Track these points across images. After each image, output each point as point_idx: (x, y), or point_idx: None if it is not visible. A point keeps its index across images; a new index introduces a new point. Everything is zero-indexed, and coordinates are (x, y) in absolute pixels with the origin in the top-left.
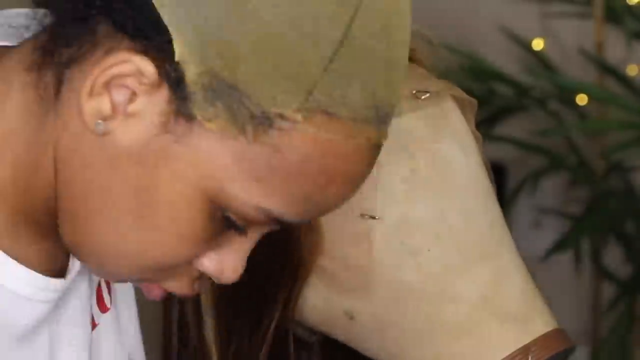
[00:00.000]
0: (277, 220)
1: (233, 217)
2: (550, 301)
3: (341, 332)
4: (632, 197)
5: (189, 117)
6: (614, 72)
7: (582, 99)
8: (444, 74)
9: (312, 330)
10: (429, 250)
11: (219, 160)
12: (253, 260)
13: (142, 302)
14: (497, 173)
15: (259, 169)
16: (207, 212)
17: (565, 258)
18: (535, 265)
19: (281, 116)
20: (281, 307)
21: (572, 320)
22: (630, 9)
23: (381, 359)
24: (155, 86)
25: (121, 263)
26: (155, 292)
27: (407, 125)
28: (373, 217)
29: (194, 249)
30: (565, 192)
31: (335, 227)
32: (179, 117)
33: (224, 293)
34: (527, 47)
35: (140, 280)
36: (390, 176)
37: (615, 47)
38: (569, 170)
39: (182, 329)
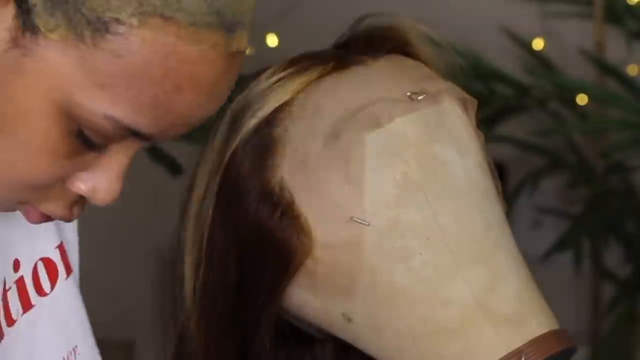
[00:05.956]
0: (132, 132)
1: (87, 132)
2: (550, 301)
3: (342, 334)
4: (632, 197)
5: (34, 30)
6: (614, 72)
7: (582, 99)
8: (451, 75)
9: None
10: (420, 254)
11: (63, 70)
12: (239, 260)
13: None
14: (497, 173)
15: (101, 76)
16: (62, 124)
17: (565, 258)
18: (535, 265)
19: (117, 21)
20: (265, 307)
21: (572, 320)
22: (630, 9)
23: (381, 359)
24: (3, 3)
25: None
26: (33, 215)
27: (399, 129)
28: (363, 222)
29: (56, 165)
30: (565, 192)
31: (325, 231)
32: (25, 31)
33: (207, 294)
34: (527, 47)
35: (17, 204)
36: (381, 180)
37: (615, 47)
38: (569, 170)
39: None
